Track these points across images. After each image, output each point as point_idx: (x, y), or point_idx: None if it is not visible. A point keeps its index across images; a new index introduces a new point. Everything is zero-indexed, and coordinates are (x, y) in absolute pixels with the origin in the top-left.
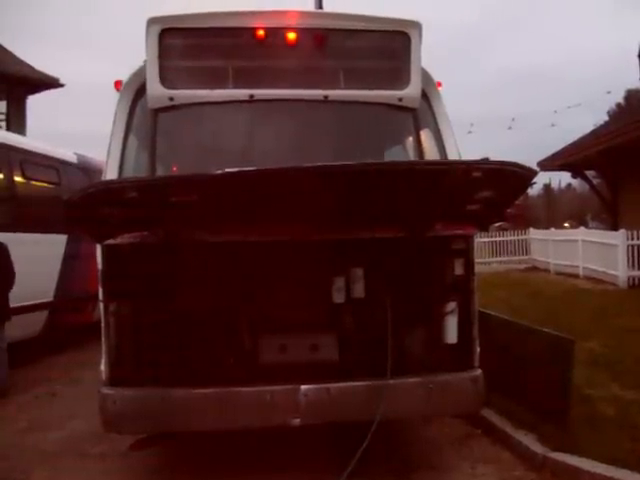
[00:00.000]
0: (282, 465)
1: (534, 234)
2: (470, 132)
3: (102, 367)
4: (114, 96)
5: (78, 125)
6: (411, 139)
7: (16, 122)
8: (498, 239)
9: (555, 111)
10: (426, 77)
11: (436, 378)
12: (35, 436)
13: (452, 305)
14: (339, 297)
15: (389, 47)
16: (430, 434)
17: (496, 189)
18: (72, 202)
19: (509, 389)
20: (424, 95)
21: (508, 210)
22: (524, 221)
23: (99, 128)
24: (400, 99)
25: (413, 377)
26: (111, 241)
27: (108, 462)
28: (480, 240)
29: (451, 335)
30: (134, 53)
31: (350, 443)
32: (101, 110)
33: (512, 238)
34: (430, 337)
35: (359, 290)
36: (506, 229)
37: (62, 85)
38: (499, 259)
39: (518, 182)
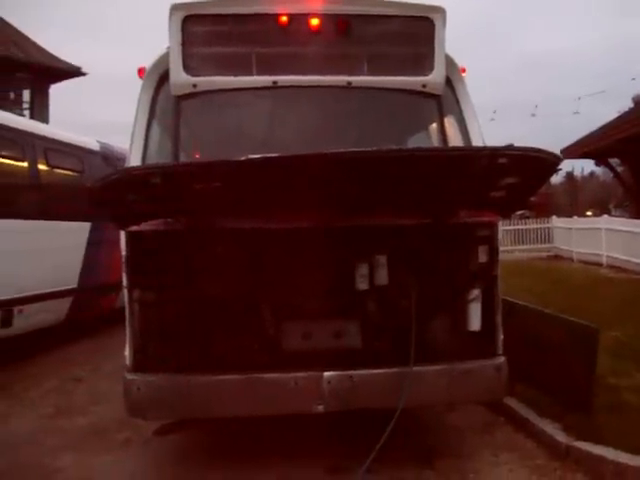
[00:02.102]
0: (305, 451)
1: (557, 222)
2: (493, 119)
3: (126, 353)
4: (137, 83)
5: (100, 113)
6: (435, 126)
7: (39, 111)
8: (520, 227)
9: (579, 98)
10: (450, 63)
11: (459, 365)
12: (61, 421)
13: (476, 292)
14: (362, 284)
15: (413, 33)
16: (453, 421)
17: (521, 175)
18: (96, 188)
19: (532, 377)
20: (448, 81)
21: (531, 198)
22: (546, 209)
23: (121, 116)
24: (424, 85)
25: (436, 364)
26: (135, 228)
27: (132, 447)
28: (502, 228)
29: (475, 322)
30: (156, 41)
31: (373, 430)
32: (122, 98)
33: (535, 226)
34: (453, 324)
35: (382, 277)
36: (528, 217)
37: (84, 74)
38: (521, 247)
39: (543, 168)
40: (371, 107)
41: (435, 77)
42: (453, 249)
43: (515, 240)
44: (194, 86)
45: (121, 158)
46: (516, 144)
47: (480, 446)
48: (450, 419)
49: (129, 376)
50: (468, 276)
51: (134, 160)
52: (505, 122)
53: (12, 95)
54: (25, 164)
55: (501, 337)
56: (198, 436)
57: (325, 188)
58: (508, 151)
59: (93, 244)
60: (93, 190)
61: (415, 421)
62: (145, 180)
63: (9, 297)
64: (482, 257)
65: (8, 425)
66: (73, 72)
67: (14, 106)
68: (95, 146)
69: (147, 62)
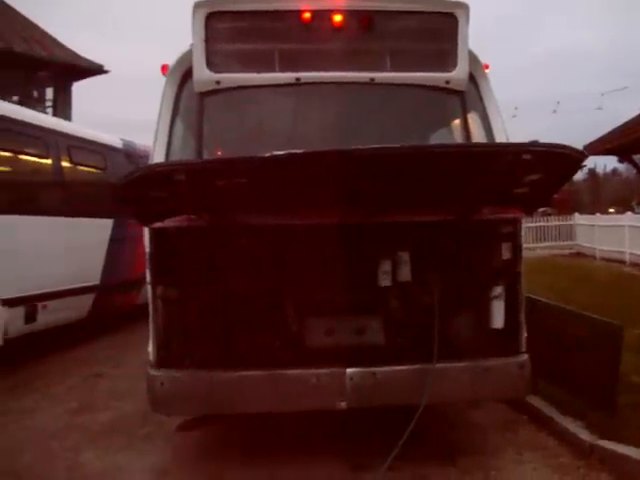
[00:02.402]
0: (327, 448)
1: (579, 219)
2: (514, 116)
3: (149, 349)
4: (160, 81)
5: (122, 111)
6: (458, 122)
7: (62, 108)
8: (542, 224)
9: (602, 94)
10: (473, 59)
11: (482, 363)
12: (84, 416)
13: (499, 289)
14: (385, 280)
15: (436, 29)
16: (475, 419)
17: (545, 172)
18: (121, 185)
19: (556, 375)
20: (471, 77)
21: (555, 194)
22: (568, 206)
23: (142, 114)
24: (447, 81)
25: (459, 362)
26: (159, 224)
27: (155, 443)
28: (524, 225)
29: (498, 319)
30: (179, 39)
31: (395, 427)
32: (144, 96)
33: (557, 223)
34: (477, 321)
35: (405, 274)
36: (550, 214)
37: (106, 72)
38: (543, 245)
39: (568, 165)
40: (394, 103)
41: (458, 73)
42: (476, 246)
43: (537, 237)
44: (217, 83)
45: (143, 155)
46: (540, 141)
47: (503, 444)
48: (472, 417)
49: (152, 372)
50: (491, 273)
51: (158, 157)
52: (526, 119)
53: (35, 93)
54: (49, 161)
55: (524, 334)
56: (221, 432)
57: (349, 185)
58: (533, 147)
59: (115, 241)
60: (117, 187)
61: (437, 418)
62: (169, 177)
63: (33, 293)
64: (505, 254)
65: (33, 420)
66: (95, 70)
67: (37, 104)
68: (118, 143)
69: (170, 59)
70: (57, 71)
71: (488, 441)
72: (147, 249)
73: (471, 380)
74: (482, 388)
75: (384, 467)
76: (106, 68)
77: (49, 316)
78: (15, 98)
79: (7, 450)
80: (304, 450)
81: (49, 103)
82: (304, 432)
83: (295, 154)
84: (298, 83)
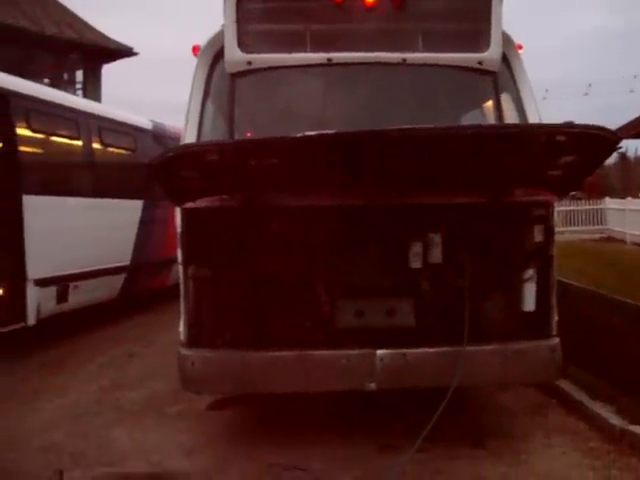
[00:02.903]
0: (356, 429)
1: (610, 203)
2: (544, 98)
3: (181, 329)
4: (191, 62)
5: (151, 93)
6: (491, 103)
7: (92, 90)
8: (572, 208)
9: (635, 76)
10: (507, 39)
11: (513, 346)
12: (115, 394)
13: (530, 272)
14: (416, 262)
15: (469, 8)
16: (504, 402)
17: (580, 154)
18: (155, 165)
19: (586, 360)
20: (504, 58)
21: (588, 177)
22: (598, 190)
23: (171, 96)
24: (480, 62)
25: (490, 344)
26: (190, 205)
27: (185, 421)
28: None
29: (529, 303)
30: (209, 20)
31: (424, 409)
32: (173, 78)
33: (586, 207)
34: (508, 304)
35: (436, 256)
36: (580, 198)
37: (136, 54)
38: (572, 229)
39: (603, 147)
40: (426, 84)
41: (491, 54)
42: (508, 228)
43: (566, 221)
44: (249, 63)
45: (173, 137)
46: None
47: (532, 428)
48: (502, 400)
49: (184, 351)
50: (523, 256)
51: (189, 137)
52: (557, 101)
53: (65, 76)
54: (80, 143)
55: (556, 318)
56: (251, 412)
57: (381, 166)
58: (568, 129)
59: (145, 222)
60: (151, 166)
61: (466, 401)
62: (202, 157)
63: (65, 273)
64: (538, 237)
65: (66, 397)
66: (125, 52)
67: (67, 86)
68: (147, 125)
69: (201, 40)
70: (87, 54)
71: (517, 425)
72: (179, 229)
73: (501, 363)
74: (512, 371)
75: (413, 448)
76: (135, 50)
77: (80, 296)
78: (46, 81)
79: (40, 427)
80: (332, 430)
81: (79, 85)
82: (334, 412)
83: (327, 134)
84: (329, 63)
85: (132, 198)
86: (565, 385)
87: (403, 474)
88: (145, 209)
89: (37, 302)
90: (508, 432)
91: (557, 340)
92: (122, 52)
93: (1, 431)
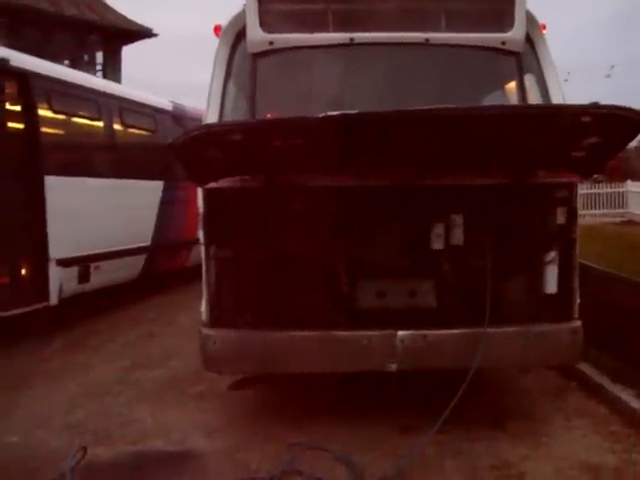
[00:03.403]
0: (377, 410)
1: (631, 187)
2: (566, 80)
3: (202, 309)
4: (212, 42)
5: (171, 74)
6: (514, 84)
7: (112, 72)
8: (593, 191)
9: None
10: (530, 19)
11: (535, 328)
12: (137, 374)
13: (553, 254)
14: (438, 244)
15: None
16: (524, 385)
17: (605, 135)
18: (177, 144)
19: (607, 343)
20: (528, 38)
21: (613, 159)
22: (620, 173)
23: (191, 77)
24: (503, 42)
25: (511, 326)
26: (213, 185)
27: (206, 401)
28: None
29: (551, 285)
30: (227, 1)
31: (444, 391)
32: (193, 59)
33: (607, 191)
34: (529, 286)
35: (458, 237)
36: (601, 181)
37: (155, 35)
38: (593, 212)
39: (629, 128)
40: (449, 64)
41: (515, 34)
42: (531, 210)
43: (587, 205)
44: (270, 43)
45: (193, 118)
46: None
47: (552, 410)
48: (522, 383)
49: (205, 331)
50: (546, 238)
51: (211, 117)
52: (579, 83)
53: (86, 57)
54: (101, 124)
55: (577, 301)
56: (272, 392)
57: (403, 146)
58: (594, 109)
59: (165, 203)
60: (174, 146)
61: (486, 384)
62: (225, 136)
63: (87, 253)
64: (560, 219)
65: (87, 376)
66: (144, 33)
67: (88, 68)
68: (168, 106)
69: (223, 20)
70: (107, 35)
71: (538, 407)
72: (200, 209)
73: (523, 345)
74: (534, 354)
75: (433, 430)
76: (155, 31)
77: (102, 276)
78: (66, 62)
79: (63, 406)
80: (352, 411)
81: (99, 67)
82: (355, 393)
83: (349, 114)
84: (352, 43)
85: (153, 179)
86: (586, 368)
87: (423, 455)
88: (165, 190)
89: (59, 282)
90: (528, 414)
91: (579, 323)
92: (142, 33)
93: (26, 409)
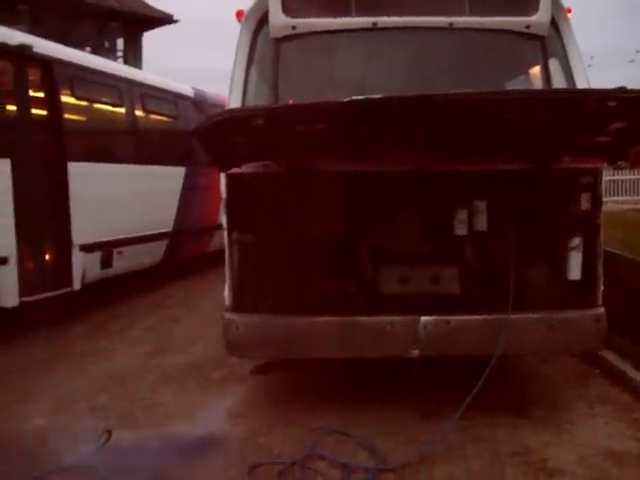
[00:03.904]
0: (400, 396)
1: None
2: (589, 65)
3: (225, 294)
4: (233, 28)
5: (191, 60)
6: (538, 68)
7: (132, 58)
8: (615, 178)
9: None
10: (555, 3)
11: (558, 315)
12: (159, 359)
13: (577, 241)
14: (461, 229)
15: None
16: (547, 372)
17: (632, 120)
18: (200, 130)
19: (630, 330)
20: (553, 22)
21: (638, 144)
22: None
23: (212, 63)
24: (528, 26)
25: (535, 313)
26: (236, 170)
27: (228, 385)
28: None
29: (575, 271)
30: None
31: (466, 378)
32: (213, 45)
33: (631, 177)
34: (553, 273)
35: (482, 223)
36: (623, 168)
37: (176, 21)
38: (615, 199)
39: None
40: (473, 49)
41: (540, 17)
42: (555, 196)
43: (609, 191)
44: (293, 28)
45: (214, 104)
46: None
47: (575, 398)
48: (544, 370)
49: (228, 316)
50: (570, 224)
51: (234, 103)
52: (602, 68)
53: (107, 44)
54: (123, 110)
55: (601, 288)
56: (294, 377)
57: (426, 131)
58: (621, 94)
59: (187, 189)
60: (197, 131)
61: (509, 371)
62: (248, 122)
63: (109, 239)
64: (585, 205)
65: (110, 361)
66: (165, 20)
67: (109, 54)
68: (189, 92)
69: (245, 5)
70: (127, 22)
71: (560, 394)
72: (223, 195)
73: (546, 332)
74: (557, 340)
75: (456, 416)
76: (176, 18)
77: (124, 262)
78: (87, 49)
79: (87, 389)
80: (375, 397)
81: (120, 54)
82: (377, 379)
83: (374, 99)
84: (375, 28)
85: (174, 165)
86: (609, 355)
87: (445, 440)
88: (187, 176)
89: (82, 267)
90: (551, 402)
91: (602, 310)
92: (162, 20)
93: (51, 393)
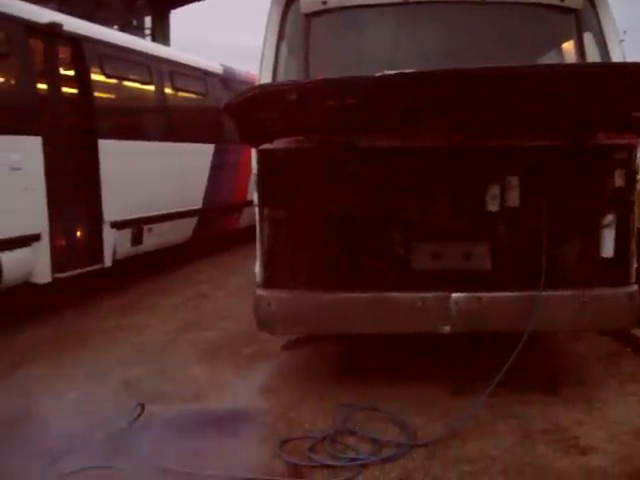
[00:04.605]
0: (430, 373)
1: None
2: (622, 40)
3: (256, 270)
4: (264, 4)
5: (219, 37)
6: (572, 42)
7: (160, 36)
8: None
9: None
10: None
11: (590, 292)
12: (190, 334)
13: (610, 218)
14: (494, 205)
15: None
16: (578, 350)
17: None
18: (233, 105)
19: None
20: None
21: None
22: None
23: (240, 40)
24: None
25: (567, 290)
26: (267, 146)
27: (259, 362)
28: None
29: (608, 248)
30: None
31: (496, 355)
32: (242, 22)
33: None
34: (586, 250)
35: (514, 199)
36: None
37: None
38: None
39: None
40: (506, 22)
41: None
42: (589, 172)
43: None
44: (324, 3)
45: (242, 81)
46: None
47: (606, 376)
48: (575, 348)
49: (259, 292)
50: (603, 200)
51: (264, 78)
52: (635, 44)
53: (135, 22)
54: (152, 87)
55: (634, 265)
56: (324, 353)
57: (460, 106)
58: None
59: (217, 166)
60: (230, 107)
61: (539, 348)
62: (280, 97)
63: (140, 216)
64: (619, 181)
65: (142, 336)
66: None
67: (136, 32)
68: (218, 69)
69: None
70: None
71: (591, 372)
72: (254, 171)
73: (578, 309)
74: (589, 318)
75: (486, 393)
76: None
77: (154, 238)
78: (115, 27)
79: (120, 364)
80: (405, 373)
81: (148, 32)
82: (407, 356)
83: (407, 73)
84: (406, 2)
85: (203, 142)
86: None
87: (476, 417)
88: (216, 153)
89: (113, 244)
90: (582, 380)
91: (635, 287)
92: None
93: (84, 367)
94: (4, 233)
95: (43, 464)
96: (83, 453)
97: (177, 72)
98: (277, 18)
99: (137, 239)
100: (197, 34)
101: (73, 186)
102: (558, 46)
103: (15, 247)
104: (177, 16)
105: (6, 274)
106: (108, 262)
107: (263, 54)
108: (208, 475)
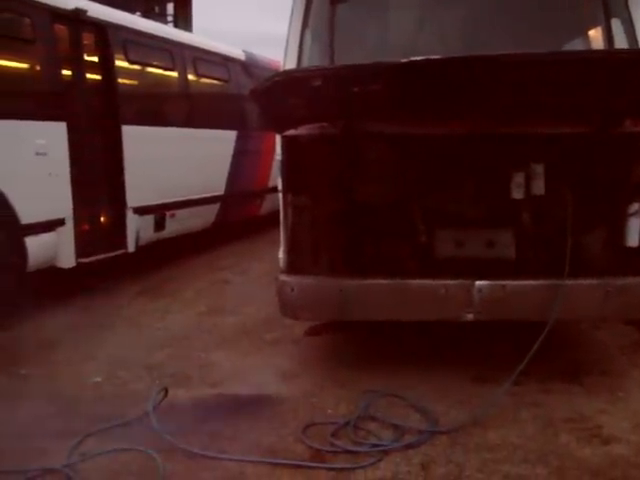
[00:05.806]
0: (451, 360)
1: None
2: None
3: (280, 255)
4: None
5: (242, 24)
6: (600, 28)
7: (183, 23)
8: None
9: None
10: None
11: (615, 281)
12: (213, 319)
13: (636, 207)
14: (518, 193)
15: None
16: (601, 339)
17: None
18: (259, 91)
19: None
20: None
21: None
22: None
23: (263, 27)
24: None
25: (591, 279)
26: (292, 132)
27: (282, 347)
28: None
29: (633, 237)
30: None
31: (519, 343)
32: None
33: None
34: (610, 239)
35: (539, 187)
36: None
37: None
38: None
39: None
40: (531, 8)
41: None
42: (615, 160)
43: None
44: None
45: (265, 68)
46: None
47: (629, 366)
48: (598, 337)
49: (283, 277)
50: (629, 189)
51: (289, 64)
52: None
53: (157, 9)
54: (176, 74)
55: None
56: (347, 339)
57: (485, 93)
58: None
59: (239, 153)
60: (255, 92)
61: (562, 337)
62: (306, 82)
63: (162, 202)
64: None
65: (165, 321)
66: None
67: (159, 19)
68: (240, 55)
69: None
70: None
71: (614, 362)
72: (279, 157)
73: (602, 298)
74: (613, 307)
75: (509, 380)
76: None
77: (177, 224)
78: (137, 14)
79: (143, 349)
80: (427, 360)
81: (170, 18)
82: (429, 343)
83: (434, 59)
84: None
85: (226, 129)
86: None
87: (498, 405)
88: (239, 140)
89: (136, 230)
90: (605, 369)
91: None
92: None
93: (108, 352)
94: (29, 218)
95: (68, 446)
96: (107, 436)
97: (200, 58)
98: (302, 3)
99: (160, 225)
100: (221, 20)
101: (97, 172)
102: (585, 32)
103: (40, 232)
104: (200, 2)
105: (31, 258)
106: (131, 248)
107: (288, 40)
108: (230, 458)
